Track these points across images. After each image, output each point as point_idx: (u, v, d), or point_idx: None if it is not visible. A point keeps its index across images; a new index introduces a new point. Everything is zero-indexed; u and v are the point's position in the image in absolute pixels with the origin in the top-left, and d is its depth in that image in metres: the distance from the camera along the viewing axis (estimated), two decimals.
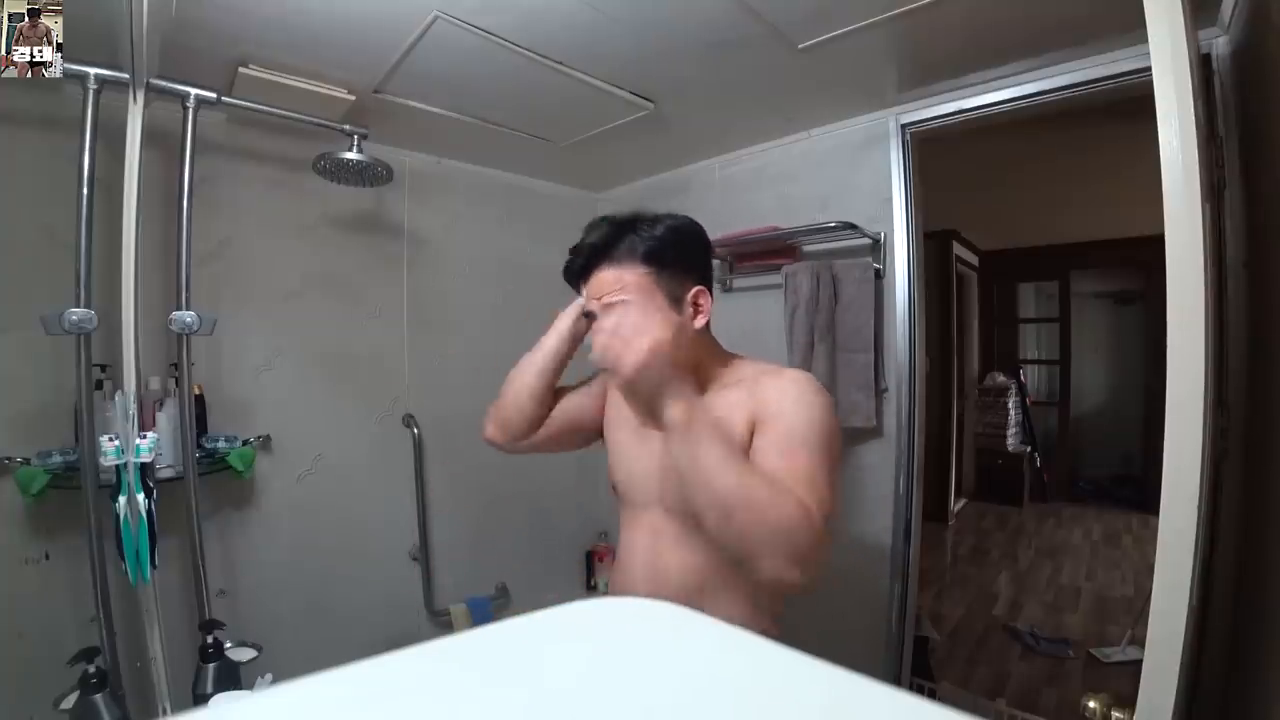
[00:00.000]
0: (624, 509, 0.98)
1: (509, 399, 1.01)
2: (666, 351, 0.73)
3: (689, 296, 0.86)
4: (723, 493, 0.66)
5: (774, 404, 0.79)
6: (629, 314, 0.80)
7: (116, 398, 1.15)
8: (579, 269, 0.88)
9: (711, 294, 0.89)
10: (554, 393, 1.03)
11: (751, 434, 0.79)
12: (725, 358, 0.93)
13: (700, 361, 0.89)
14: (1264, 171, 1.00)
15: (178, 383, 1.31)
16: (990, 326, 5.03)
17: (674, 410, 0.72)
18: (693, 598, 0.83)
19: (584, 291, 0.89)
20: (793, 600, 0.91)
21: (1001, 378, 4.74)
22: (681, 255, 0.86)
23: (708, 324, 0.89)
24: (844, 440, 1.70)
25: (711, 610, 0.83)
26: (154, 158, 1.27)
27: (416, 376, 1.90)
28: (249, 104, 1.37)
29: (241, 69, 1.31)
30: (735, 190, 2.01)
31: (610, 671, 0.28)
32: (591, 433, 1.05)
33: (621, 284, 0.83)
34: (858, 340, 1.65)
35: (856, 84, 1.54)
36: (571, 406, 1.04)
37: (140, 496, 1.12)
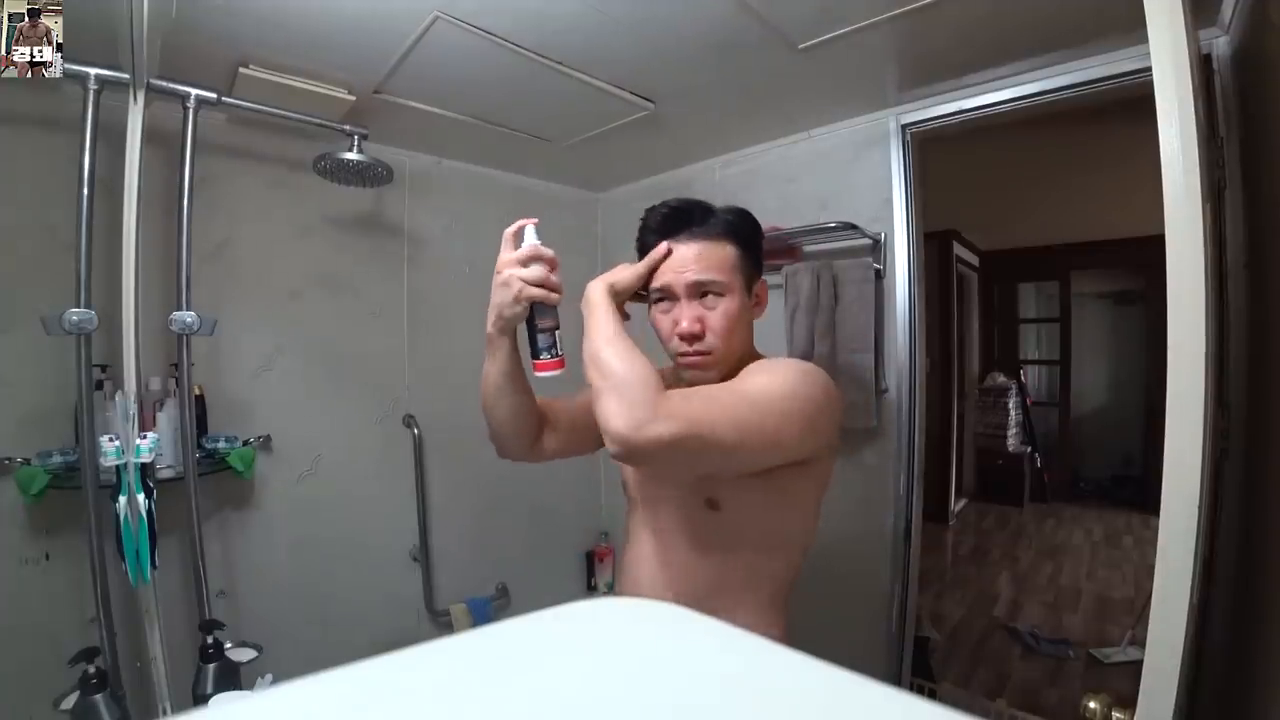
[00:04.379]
0: (632, 508, 0.97)
1: (491, 426, 0.98)
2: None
3: (756, 287, 0.87)
4: (604, 353, 0.73)
5: (746, 371, 0.81)
6: (725, 305, 0.82)
7: (116, 398, 1.15)
8: (664, 229, 0.84)
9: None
10: (533, 404, 0.96)
11: None
12: (755, 354, 0.91)
13: (743, 354, 0.87)
14: (1264, 172, 1.00)
15: (178, 383, 1.31)
16: (990, 326, 5.03)
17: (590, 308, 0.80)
18: (700, 599, 0.83)
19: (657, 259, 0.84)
20: (793, 600, 0.91)
21: (1002, 378, 4.74)
22: (754, 242, 0.86)
23: None
24: (844, 440, 1.70)
25: (719, 612, 0.84)
26: (154, 158, 1.27)
27: (416, 376, 1.90)
28: (249, 104, 1.37)
29: (242, 69, 1.31)
30: (735, 190, 2.00)
31: (610, 671, 0.28)
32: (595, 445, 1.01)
33: (708, 260, 0.81)
34: (858, 340, 1.65)
35: (856, 84, 1.54)
36: (579, 414, 0.99)
37: (140, 497, 1.12)
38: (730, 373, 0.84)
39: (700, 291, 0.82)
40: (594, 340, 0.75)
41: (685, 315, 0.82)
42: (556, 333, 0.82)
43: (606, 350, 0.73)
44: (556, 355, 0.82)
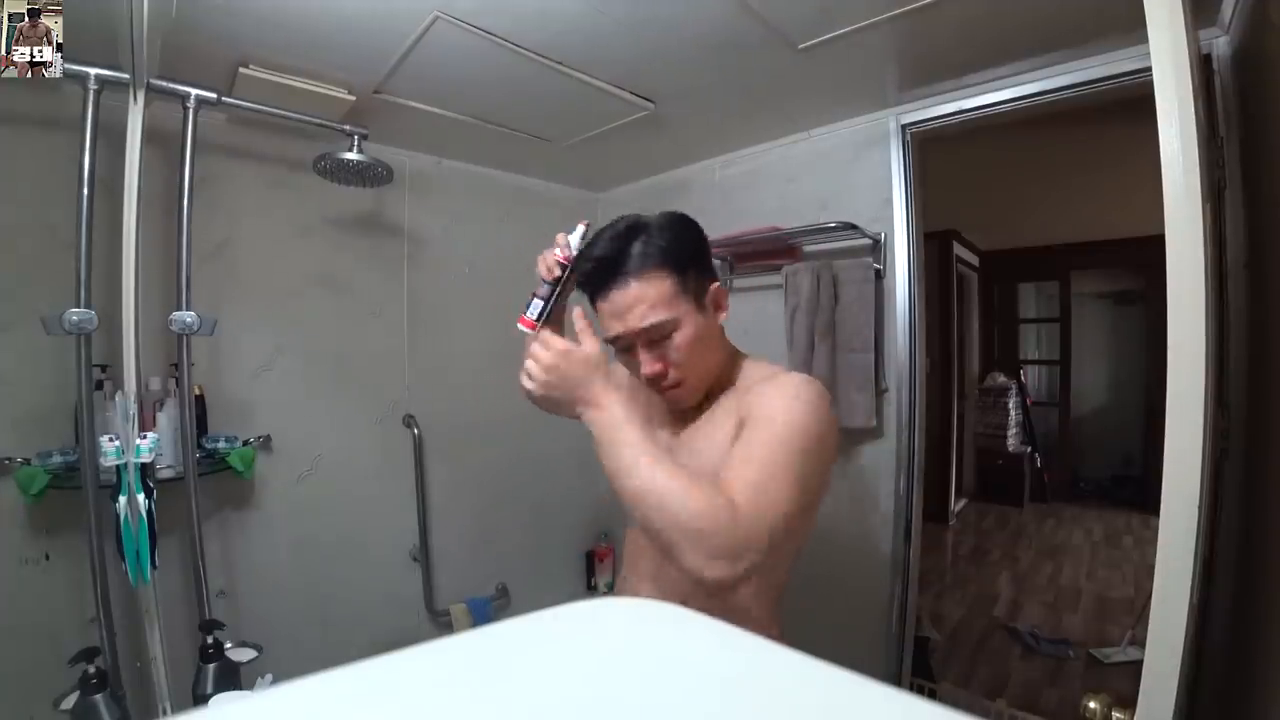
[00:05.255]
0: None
1: None
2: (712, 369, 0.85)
3: (709, 296, 0.83)
4: (632, 491, 0.66)
5: (757, 408, 0.76)
6: (680, 337, 0.79)
7: (117, 398, 1.15)
8: (595, 281, 0.80)
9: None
10: None
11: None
12: (736, 358, 0.90)
13: (721, 363, 0.86)
14: (1264, 172, 1.00)
15: (178, 383, 1.31)
16: (990, 326, 5.02)
17: (588, 414, 0.72)
18: (694, 602, 0.82)
19: (600, 310, 0.82)
20: (793, 600, 0.91)
21: (1002, 378, 4.73)
22: (696, 252, 0.82)
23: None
24: (844, 440, 1.71)
25: (712, 615, 0.83)
26: (154, 158, 1.28)
27: (416, 376, 1.90)
28: (249, 104, 1.37)
29: (241, 69, 1.31)
30: (735, 190, 2.01)
31: (610, 671, 0.28)
32: None
33: (647, 301, 0.77)
34: (858, 340, 1.65)
35: (856, 84, 1.54)
36: None
37: (140, 497, 1.12)
38: (713, 386, 0.85)
39: (650, 337, 0.78)
40: (618, 463, 0.68)
41: (644, 361, 0.80)
42: (536, 300, 0.88)
43: (659, 477, 0.64)
44: (530, 317, 0.88)
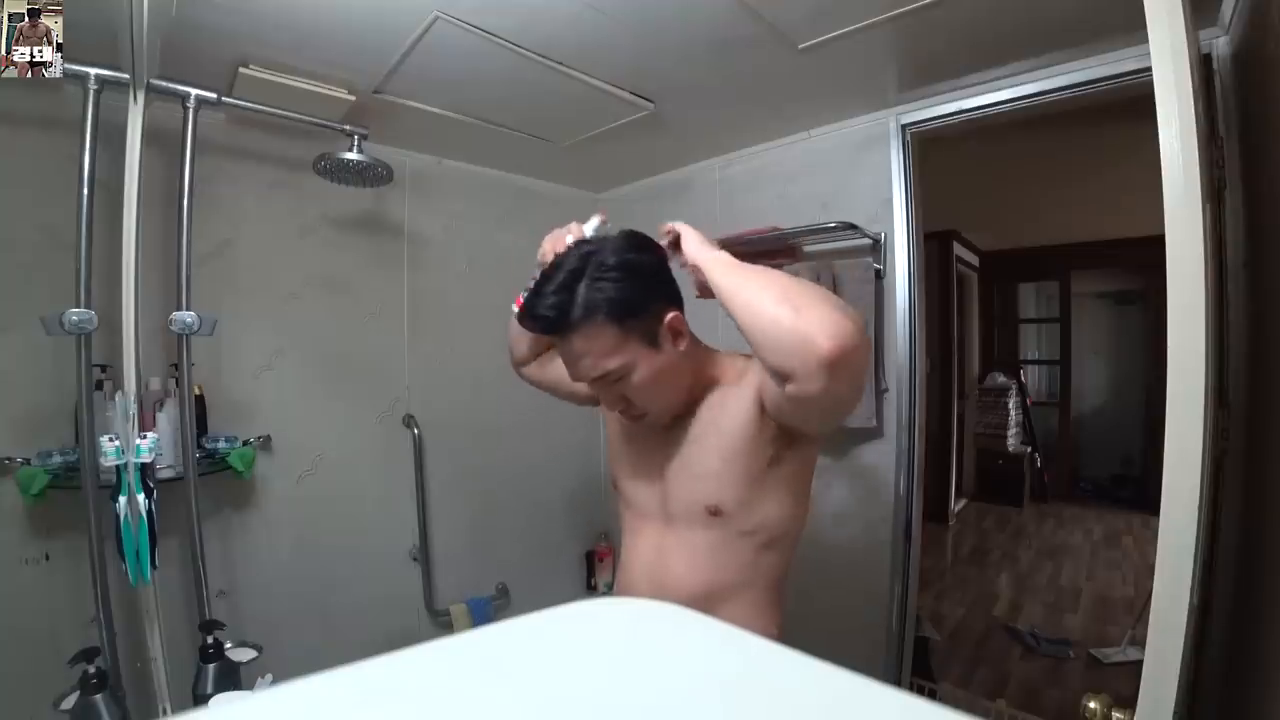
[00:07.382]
0: (626, 511, 0.97)
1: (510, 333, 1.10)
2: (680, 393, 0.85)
3: (664, 328, 0.80)
4: (773, 297, 0.67)
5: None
6: (636, 378, 0.80)
7: (116, 398, 1.15)
8: (543, 332, 0.81)
9: (682, 306, 0.83)
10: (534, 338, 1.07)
11: (762, 407, 0.79)
12: (711, 357, 0.90)
13: (691, 383, 0.86)
14: (1264, 171, 1.00)
15: (178, 383, 1.31)
16: (990, 326, 5.03)
17: (719, 255, 0.77)
18: (699, 598, 0.83)
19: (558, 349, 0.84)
20: (794, 600, 0.91)
21: (1002, 378, 4.74)
22: (642, 292, 0.79)
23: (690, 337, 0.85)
24: (844, 440, 1.71)
25: (719, 609, 0.83)
26: (154, 158, 1.27)
27: (416, 376, 1.90)
28: (249, 104, 1.37)
29: (241, 69, 1.31)
30: (735, 190, 2.01)
31: (611, 671, 0.28)
32: (585, 400, 1.05)
33: (593, 354, 0.78)
34: None
35: (856, 84, 1.54)
36: (562, 372, 1.04)
37: (140, 497, 1.12)
38: (690, 400, 0.86)
39: (605, 381, 0.80)
40: (750, 288, 0.71)
41: (606, 400, 0.84)
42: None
43: (748, 293, 0.69)
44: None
